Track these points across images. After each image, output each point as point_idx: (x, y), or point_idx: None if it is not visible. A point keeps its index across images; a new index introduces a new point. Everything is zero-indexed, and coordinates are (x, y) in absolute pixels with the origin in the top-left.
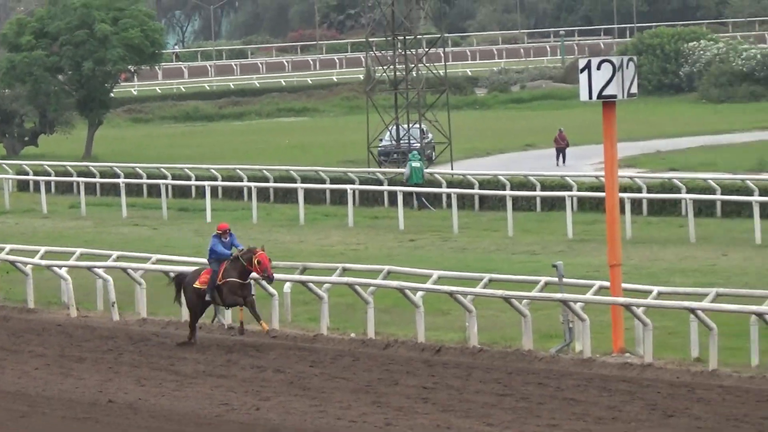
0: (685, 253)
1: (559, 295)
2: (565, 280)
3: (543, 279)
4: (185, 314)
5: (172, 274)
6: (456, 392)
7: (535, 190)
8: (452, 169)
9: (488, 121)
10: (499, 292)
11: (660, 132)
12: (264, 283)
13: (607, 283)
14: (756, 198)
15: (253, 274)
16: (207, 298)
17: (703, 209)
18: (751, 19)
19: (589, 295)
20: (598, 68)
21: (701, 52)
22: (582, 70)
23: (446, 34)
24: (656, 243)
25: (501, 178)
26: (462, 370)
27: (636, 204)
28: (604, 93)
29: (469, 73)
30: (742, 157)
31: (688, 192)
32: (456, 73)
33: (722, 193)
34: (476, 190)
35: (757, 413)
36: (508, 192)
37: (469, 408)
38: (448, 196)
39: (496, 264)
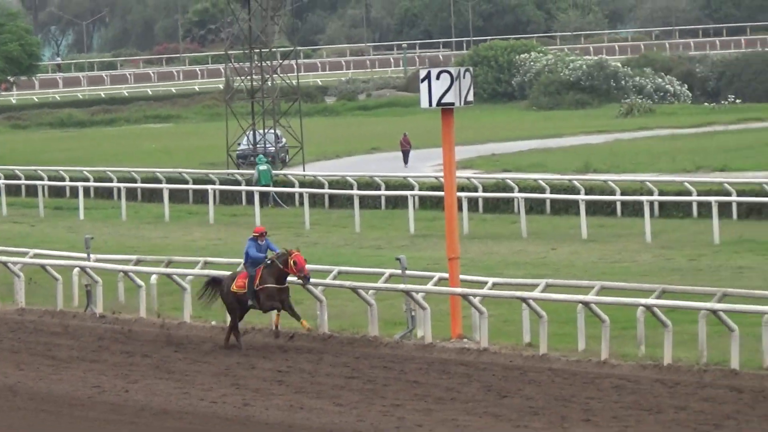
0: (517, 247)
1: (402, 286)
2: (407, 272)
3: (387, 271)
4: (60, 304)
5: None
6: (308, 375)
7: (380, 189)
8: (304, 170)
9: (337, 127)
10: (347, 283)
11: (494, 136)
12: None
13: (446, 275)
14: (582, 197)
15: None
16: (249, 303)
17: (534, 207)
18: (577, 33)
19: (429, 286)
20: (438, 78)
21: (532, 63)
22: (423, 80)
23: (298, 47)
24: (491, 238)
25: (349, 178)
26: (313, 355)
27: (472, 202)
28: (443, 101)
29: (320, 83)
30: (569, 159)
31: (520, 191)
32: (308, 83)
33: (551, 192)
34: (326, 190)
35: (583, 393)
36: (355, 191)
37: (320, 390)
38: (301, 195)
39: (345, 257)
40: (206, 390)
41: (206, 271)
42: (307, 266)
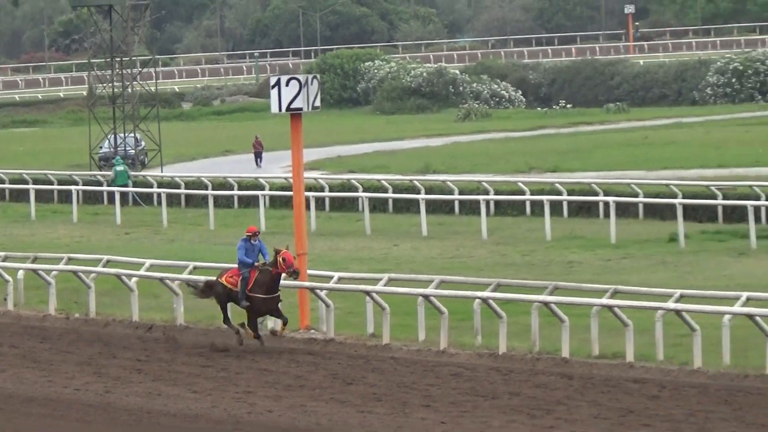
0: (362, 244)
1: None
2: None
3: None
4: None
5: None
6: (165, 364)
7: (233, 189)
8: (162, 171)
9: (193, 131)
10: (202, 277)
11: (340, 139)
12: None
13: None
14: (422, 196)
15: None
16: (242, 304)
17: (377, 206)
18: (418, 42)
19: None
20: (287, 85)
21: (375, 70)
22: (273, 87)
23: (157, 56)
24: (337, 235)
25: (204, 179)
26: (170, 345)
27: (320, 201)
28: (292, 106)
29: (177, 90)
30: (411, 161)
31: (364, 191)
32: (165, 90)
33: (393, 192)
34: (182, 190)
35: (424, 381)
36: (209, 192)
37: (176, 377)
38: (159, 195)
39: (200, 253)
40: (70, 378)
41: (69, 267)
42: (163, 261)
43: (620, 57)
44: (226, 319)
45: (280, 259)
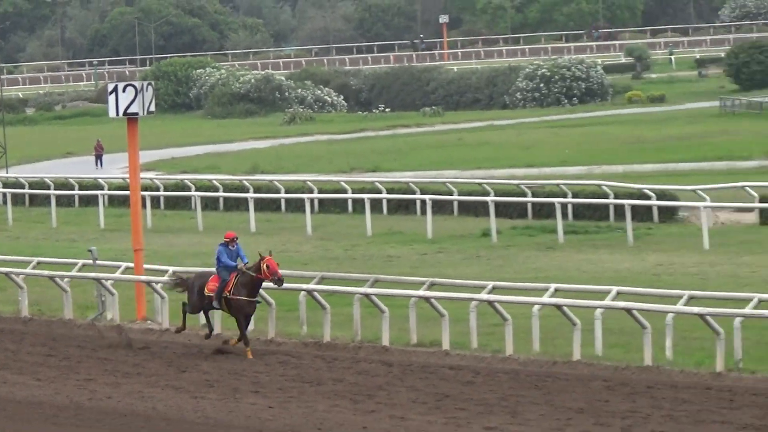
0: (195, 240)
1: (93, 274)
2: (98, 262)
3: (80, 261)
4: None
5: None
6: (11, 353)
7: (74, 189)
8: (7, 173)
9: (37, 135)
10: (45, 272)
11: (174, 142)
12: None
13: (132, 264)
14: (251, 195)
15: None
16: (215, 305)
17: (209, 204)
18: (246, 51)
19: (117, 274)
20: (124, 91)
21: (207, 77)
22: (111, 93)
23: (1, 64)
24: (171, 232)
25: (47, 179)
26: (16, 335)
27: (155, 200)
28: (129, 111)
29: (21, 96)
30: (240, 162)
31: (196, 190)
32: (10, 96)
33: (224, 191)
34: (26, 190)
35: (253, 368)
36: (52, 191)
37: (21, 366)
38: (4, 195)
39: (44, 249)
40: None
41: None
42: (8, 257)
43: (435, 64)
44: (186, 314)
45: (264, 266)
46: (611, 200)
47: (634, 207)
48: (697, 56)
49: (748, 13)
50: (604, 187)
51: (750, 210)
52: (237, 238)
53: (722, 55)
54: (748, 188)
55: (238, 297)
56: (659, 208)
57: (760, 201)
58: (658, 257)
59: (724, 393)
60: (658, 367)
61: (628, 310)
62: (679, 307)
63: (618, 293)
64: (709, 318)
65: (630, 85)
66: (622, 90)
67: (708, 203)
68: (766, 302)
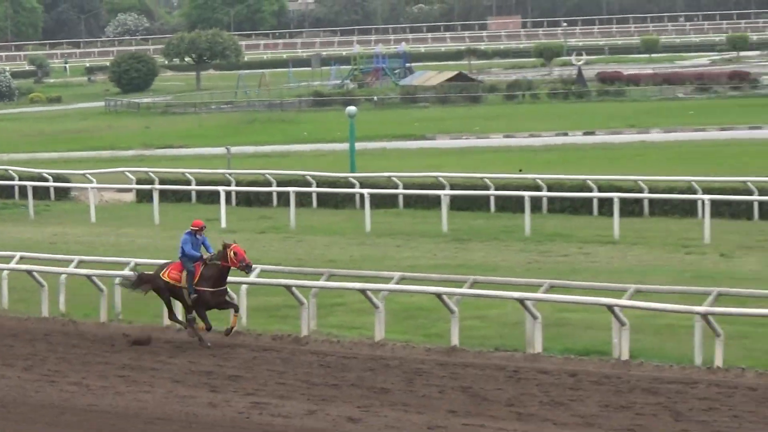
0: None
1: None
2: None
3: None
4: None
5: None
6: None
7: None
8: None
9: None
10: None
11: None
12: None
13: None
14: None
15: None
16: (192, 296)
17: None
18: None
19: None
20: None
21: None
22: None
23: None
24: None
25: None
26: None
27: None
28: None
29: None
30: None
31: None
32: None
33: None
34: None
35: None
36: None
37: None
38: None
39: None
40: None
41: None
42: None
43: None
44: (171, 314)
45: (231, 254)
46: (16, 182)
47: (35, 188)
48: (88, 65)
49: (129, 30)
50: (11, 171)
51: (129, 190)
52: (205, 228)
53: (108, 64)
54: (127, 173)
55: (203, 289)
56: (56, 188)
57: (137, 183)
58: (54, 229)
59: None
60: (54, 318)
61: (29, 272)
62: (71, 269)
63: (21, 257)
64: (95, 279)
65: (33, 88)
66: (26, 92)
67: (95, 185)
68: (144, 266)
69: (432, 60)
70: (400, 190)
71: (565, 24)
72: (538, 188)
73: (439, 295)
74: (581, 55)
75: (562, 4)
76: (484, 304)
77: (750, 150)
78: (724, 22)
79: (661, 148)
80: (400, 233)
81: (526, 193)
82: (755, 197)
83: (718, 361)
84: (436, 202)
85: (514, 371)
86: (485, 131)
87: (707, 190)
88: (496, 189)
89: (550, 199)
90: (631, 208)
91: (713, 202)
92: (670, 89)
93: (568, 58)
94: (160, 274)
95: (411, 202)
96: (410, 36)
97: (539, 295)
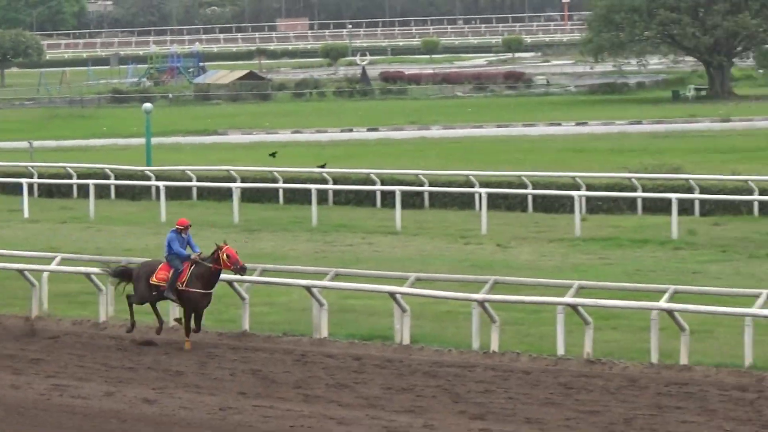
0: None
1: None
2: None
3: None
4: None
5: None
6: None
7: None
8: None
9: None
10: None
11: None
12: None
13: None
14: None
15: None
16: (168, 296)
17: None
18: None
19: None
20: None
21: None
22: None
23: None
24: None
25: None
26: None
27: None
28: None
29: None
30: None
31: None
32: None
33: None
34: None
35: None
36: None
37: None
38: None
39: None
40: None
41: None
42: None
43: None
44: (132, 310)
45: (224, 256)
46: None
47: None
48: None
49: None
50: None
51: None
52: (190, 226)
53: None
54: None
55: (193, 290)
56: None
57: None
58: None
59: None
60: None
61: None
62: None
63: None
64: None
65: None
66: None
67: None
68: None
69: (224, 60)
70: (194, 183)
71: (350, 26)
72: (324, 181)
73: (230, 283)
74: (365, 55)
75: (347, 7)
76: (274, 291)
77: (524, 146)
78: (501, 25)
79: (440, 144)
80: (193, 223)
81: (313, 186)
82: (529, 191)
83: (495, 346)
84: (228, 194)
85: (302, 355)
86: (274, 127)
87: (484, 184)
88: (285, 182)
89: (336, 192)
90: (412, 201)
91: (490, 195)
92: (449, 88)
93: (353, 58)
94: (149, 279)
95: (204, 194)
96: (204, 37)
97: (325, 282)
